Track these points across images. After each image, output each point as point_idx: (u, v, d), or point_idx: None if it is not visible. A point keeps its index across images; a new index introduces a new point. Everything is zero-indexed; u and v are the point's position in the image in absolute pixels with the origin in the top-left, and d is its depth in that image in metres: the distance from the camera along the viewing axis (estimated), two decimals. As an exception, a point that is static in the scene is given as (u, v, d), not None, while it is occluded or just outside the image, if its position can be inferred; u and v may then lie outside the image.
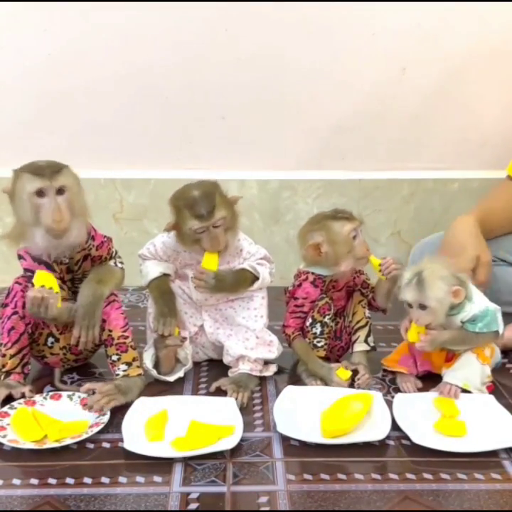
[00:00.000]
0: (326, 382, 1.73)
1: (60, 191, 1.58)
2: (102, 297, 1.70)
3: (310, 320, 1.78)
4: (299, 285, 1.79)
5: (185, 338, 1.81)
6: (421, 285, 1.63)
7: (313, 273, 1.77)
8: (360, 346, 1.82)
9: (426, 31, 2.29)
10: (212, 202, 1.68)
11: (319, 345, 1.78)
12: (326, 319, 1.77)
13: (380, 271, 1.74)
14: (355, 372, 1.75)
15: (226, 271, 1.78)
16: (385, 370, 1.83)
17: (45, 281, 1.62)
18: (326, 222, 1.73)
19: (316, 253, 1.73)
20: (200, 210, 1.67)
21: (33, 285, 1.63)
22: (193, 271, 1.77)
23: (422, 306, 1.65)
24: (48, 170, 1.58)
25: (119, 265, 1.78)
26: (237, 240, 1.80)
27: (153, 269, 1.81)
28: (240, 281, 1.78)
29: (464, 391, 1.67)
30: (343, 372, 1.72)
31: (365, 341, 1.81)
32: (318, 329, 1.78)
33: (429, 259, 1.70)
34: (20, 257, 1.70)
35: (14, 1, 2.19)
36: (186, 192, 1.72)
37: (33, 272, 1.66)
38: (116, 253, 1.79)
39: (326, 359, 1.81)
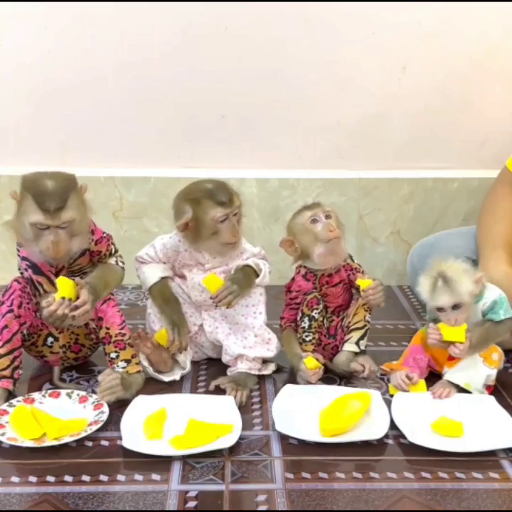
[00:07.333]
0: (296, 371, 1.75)
1: (62, 226, 1.56)
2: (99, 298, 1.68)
3: (300, 314, 1.80)
4: (293, 279, 1.83)
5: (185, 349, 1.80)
6: (450, 285, 1.61)
7: (305, 267, 1.80)
8: (349, 346, 1.80)
9: (426, 30, 2.28)
10: (230, 189, 1.73)
11: (308, 339, 1.79)
12: (314, 313, 1.78)
13: (363, 290, 1.73)
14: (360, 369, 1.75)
15: (233, 273, 1.78)
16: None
17: (67, 291, 1.59)
18: (292, 219, 1.78)
19: (292, 249, 1.77)
20: (221, 198, 1.70)
21: (35, 287, 1.61)
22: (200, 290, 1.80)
23: (456, 306, 1.63)
24: (53, 205, 1.53)
25: (120, 265, 1.78)
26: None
27: (152, 274, 1.81)
28: (249, 275, 1.78)
29: (465, 391, 1.66)
30: (310, 361, 1.70)
31: (357, 343, 1.80)
32: (306, 323, 1.78)
33: (438, 261, 1.65)
34: (19, 244, 1.68)
35: (16, 0, 2.19)
36: (199, 185, 1.75)
37: (30, 261, 1.66)
38: (116, 251, 1.79)
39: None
